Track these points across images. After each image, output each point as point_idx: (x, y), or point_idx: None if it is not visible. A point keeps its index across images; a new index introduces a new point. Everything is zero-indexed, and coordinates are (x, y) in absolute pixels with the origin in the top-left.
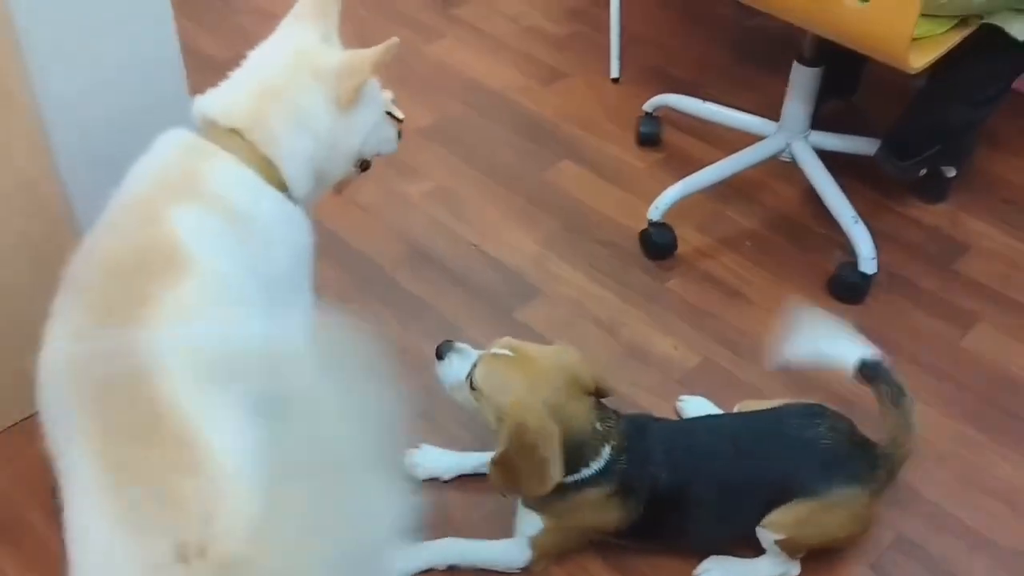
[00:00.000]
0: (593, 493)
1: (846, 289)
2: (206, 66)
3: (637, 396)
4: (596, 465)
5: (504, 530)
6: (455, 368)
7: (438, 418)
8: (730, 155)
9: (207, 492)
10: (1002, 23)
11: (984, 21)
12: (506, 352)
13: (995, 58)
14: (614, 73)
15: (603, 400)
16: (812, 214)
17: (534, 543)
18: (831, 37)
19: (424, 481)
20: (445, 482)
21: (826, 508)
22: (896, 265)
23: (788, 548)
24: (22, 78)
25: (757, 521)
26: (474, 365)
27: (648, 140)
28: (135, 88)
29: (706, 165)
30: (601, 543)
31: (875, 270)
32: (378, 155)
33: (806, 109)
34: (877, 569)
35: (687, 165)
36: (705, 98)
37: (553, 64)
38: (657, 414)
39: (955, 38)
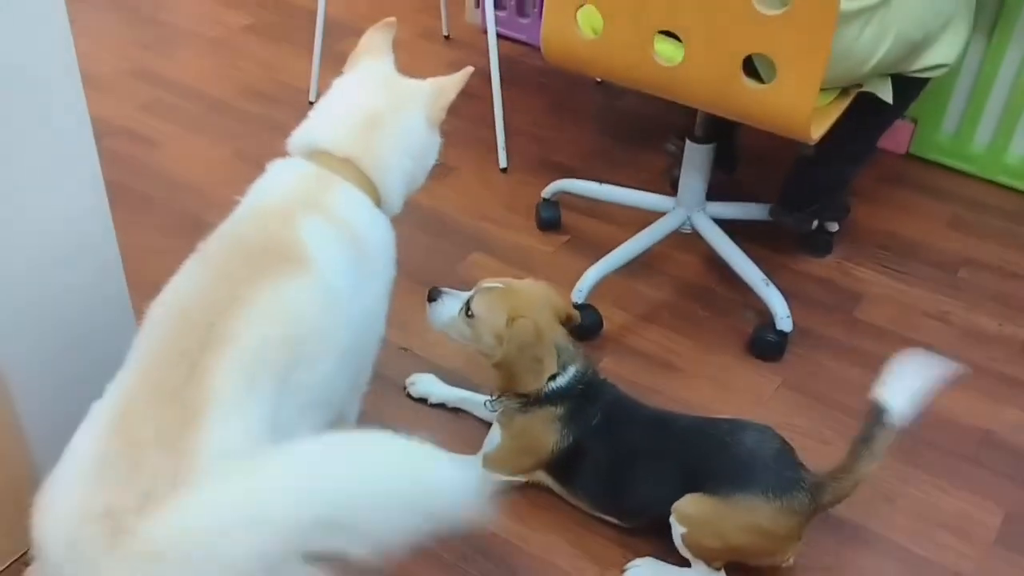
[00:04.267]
0: (547, 412)
1: (767, 348)
2: None
3: None
4: (561, 380)
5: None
6: (447, 307)
7: None
8: (636, 232)
9: (170, 473)
10: (874, 89)
11: (862, 89)
12: (497, 285)
13: (867, 120)
14: (502, 163)
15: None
16: (717, 280)
17: (486, 458)
18: (735, 118)
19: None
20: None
21: (729, 509)
22: (803, 319)
23: (695, 549)
24: None
25: (666, 504)
26: (469, 299)
27: (549, 225)
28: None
29: (607, 243)
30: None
31: (791, 327)
32: None
33: (702, 183)
34: None
35: (591, 245)
36: (594, 180)
37: (441, 159)
38: None
39: (842, 106)
